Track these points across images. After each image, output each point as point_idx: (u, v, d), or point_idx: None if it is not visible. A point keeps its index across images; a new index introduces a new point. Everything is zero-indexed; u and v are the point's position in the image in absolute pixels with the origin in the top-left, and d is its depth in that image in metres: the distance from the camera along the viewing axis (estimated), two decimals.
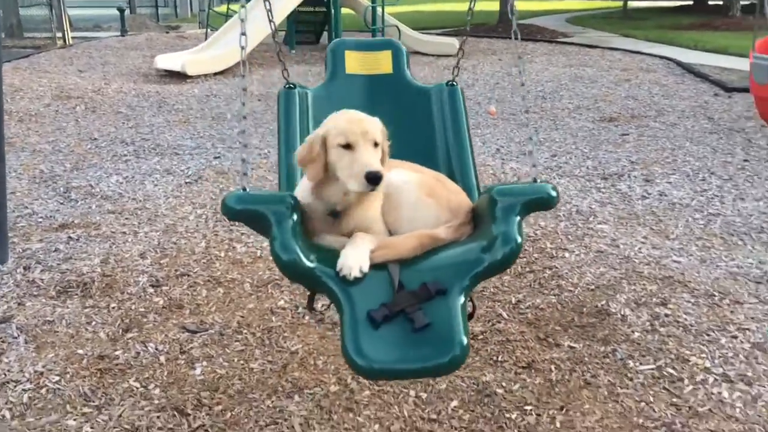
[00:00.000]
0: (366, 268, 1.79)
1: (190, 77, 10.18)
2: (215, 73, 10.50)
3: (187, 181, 5.40)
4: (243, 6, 2.13)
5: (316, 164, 1.90)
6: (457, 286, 1.75)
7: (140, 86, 9.72)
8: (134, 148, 6.43)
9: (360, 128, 1.87)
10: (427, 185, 2.08)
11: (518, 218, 1.82)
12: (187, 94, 9.17)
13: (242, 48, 2.10)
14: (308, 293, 2.17)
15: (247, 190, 1.87)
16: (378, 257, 1.84)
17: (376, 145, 1.90)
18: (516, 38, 2.24)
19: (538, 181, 1.99)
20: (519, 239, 1.78)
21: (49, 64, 11.70)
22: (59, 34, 15.13)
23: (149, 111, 8.13)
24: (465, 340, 1.66)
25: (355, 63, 2.75)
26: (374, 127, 1.92)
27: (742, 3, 19.96)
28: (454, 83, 2.75)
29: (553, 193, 1.88)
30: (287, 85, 2.59)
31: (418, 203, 2.02)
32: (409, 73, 2.80)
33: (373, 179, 1.79)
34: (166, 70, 10.44)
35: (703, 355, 2.91)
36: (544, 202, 1.89)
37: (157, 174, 5.58)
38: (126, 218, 4.58)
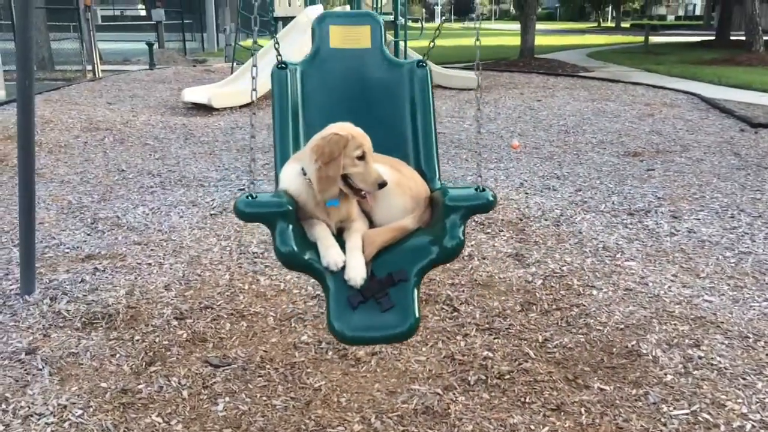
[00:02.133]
0: (365, 275, 2.20)
1: (216, 110, 10.34)
2: (240, 106, 10.65)
3: (212, 212, 5.43)
4: (254, 53, 2.45)
5: (336, 164, 2.21)
6: (413, 274, 2.21)
7: (167, 118, 9.88)
8: (161, 179, 6.50)
9: (368, 144, 2.25)
10: (395, 178, 2.37)
11: (462, 221, 2.21)
12: (213, 127, 9.30)
13: (253, 78, 2.41)
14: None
15: (255, 195, 2.18)
16: (368, 257, 2.24)
17: None
18: (478, 69, 2.61)
19: (481, 188, 2.25)
20: (462, 237, 2.20)
21: (79, 96, 11.96)
22: (89, 67, 15.51)
23: (176, 143, 8.24)
24: (417, 315, 2.18)
25: (339, 37, 2.84)
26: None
27: (765, 38, 19.89)
28: (425, 63, 2.81)
29: (492, 199, 2.22)
30: (279, 65, 2.72)
31: (390, 194, 2.34)
32: (385, 48, 2.87)
33: (382, 185, 2.24)
34: (192, 103, 10.62)
35: (740, 400, 2.81)
36: (484, 208, 2.26)
37: (182, 206, 5.63)
38: (151, 249, 4.61)
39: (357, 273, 2.18)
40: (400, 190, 2.36)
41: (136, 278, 4.13)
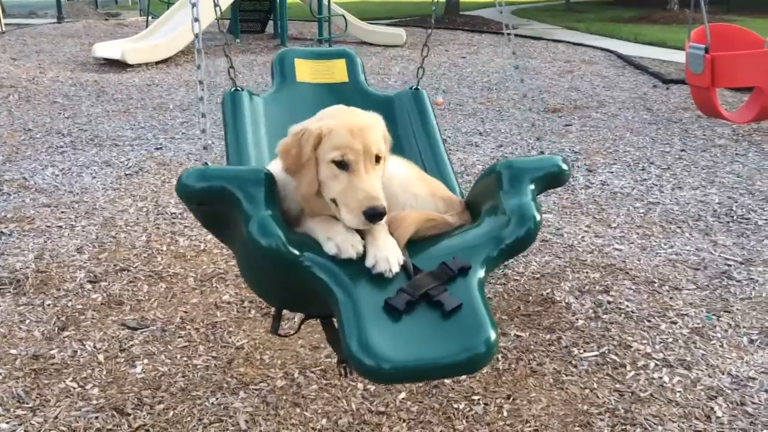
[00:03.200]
0: (401, 258, 1.52)
1: (130, 66, 9.87)
2: (156, 62, 10.20)
3: (127, 173, 5.22)
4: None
5: (307, 174, 1.53)
6: (478, 264, 1.51)
7: (77, 75, 9.37)
8: (71, 139, 6.18)
9: (362, 142, 1.50)
10: (418, 174, 1.91)
11: (531, 187, 1.65)
12: (127, 84, 8.88)
13: (195, 20, 1.87)
14: (273, 312, 1.90)
15: (210, 165, 1.57)
16: (401, 239, 1.57)
17: (377, 159, 1.54)
18: (509, 34, 2.20)
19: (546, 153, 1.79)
20: (538, 217, 1.60)
21: None
22: None
23: (87, 101, 7.84)
24: (492, 326, 1.41)
25: (307, 71, 2.63)
26: (377, 136, 1.57)
27: None
28: (419, 87, 2.65)
29: (564, 166, 1.72)
30: (234, 88, 2.38)
31: (414, 190, 1.80)
32: (365, 81, 2.71)
33: (374, 216, 1.46)
34: (105, 59, 10.09)
35: (645, 341, 2.98)
36: (554, 176, 1.71)
37: (95, 166, 5.38)
38: (62, 212, 4.41)
39: (389, 252, 1.49)
40: (427, 188, 1.83)
41: (45, 242, 3.94)
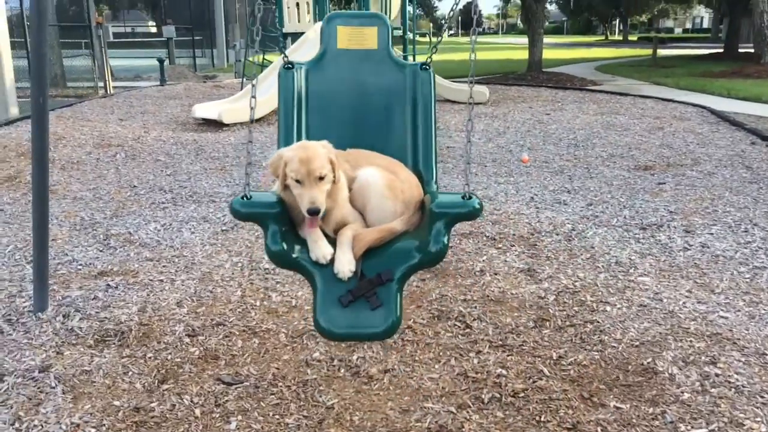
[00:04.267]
0: (353, 268, 2.28)
1: (227, 125, 10.39)
2: (251, 122, 10.68)
3: (224, 228, 5.44)
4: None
5: (279, 181, 2.35)
6: (397, 276, 2.28)
7: (178, 134, 9.94)
8: (172, 195, 6.52)
9: (307, 169, 2.27)
10: (388, 181, 2.47)
11: (447, 228, 2.26)
12: (224, 142, 9.34)
13: (252, 97, 2.55)
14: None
15: (249, 196, 2.30)
16: (356, 254, 2.32)
17: (321, 178, 2.30)
18: (471, 84, 2.57)
19: (468, 195, 2.29)
20: (445, 243, 2.25)
21: (91, 112, 12.06)
22: (101, 84, 15.67)
23: (187, 159, 8.28)
24: (398, 315, 2.25)
25: (345, 38, 2.87)
26: (319, 164, 2.30)
27: None
28: (428, 66, 2.83)
29: (478, 206, 2.27)
30: (286, 65, 2.77)
31: (382, 198, 2.44)
32: (392, 49, 2.90)
33: (312, 213, 2.26)
34: (203, 119, 10.67)
35: (758, 419, 2.77)
36: (470, 216, 2.30)
37: (194, 221, 5.64)
38: (163, 266, 4.62)
39: (345, 266, 2.28)
40: (391, 194, 2.45)
41: (148, 295, 4.13)
